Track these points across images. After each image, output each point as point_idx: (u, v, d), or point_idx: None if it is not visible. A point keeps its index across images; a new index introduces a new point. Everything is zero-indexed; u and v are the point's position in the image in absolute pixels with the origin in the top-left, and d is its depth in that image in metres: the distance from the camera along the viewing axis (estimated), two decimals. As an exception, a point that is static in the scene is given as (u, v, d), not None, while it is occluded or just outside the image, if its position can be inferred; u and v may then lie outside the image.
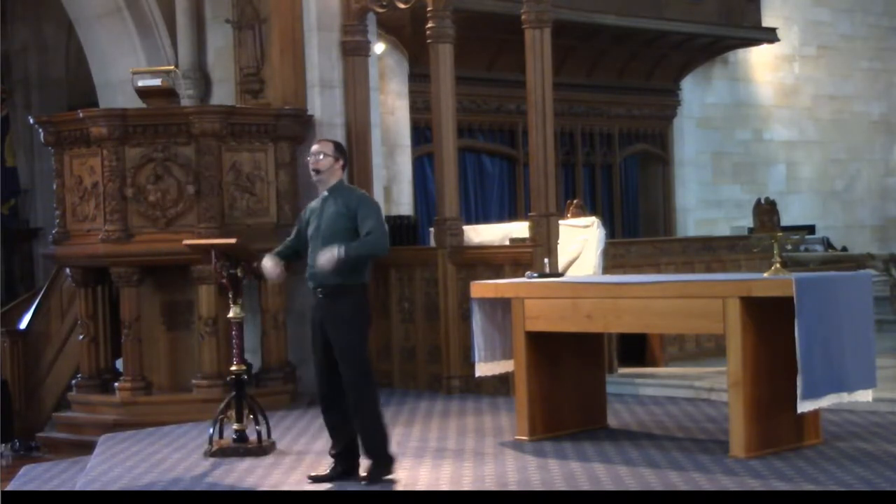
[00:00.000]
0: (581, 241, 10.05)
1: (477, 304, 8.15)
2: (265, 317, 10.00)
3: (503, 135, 14.66)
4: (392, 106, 13.26)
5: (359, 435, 6.85)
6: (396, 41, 13.18)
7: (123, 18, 11.76)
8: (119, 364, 10.04)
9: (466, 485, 6.70)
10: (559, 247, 9.76)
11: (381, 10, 10.60)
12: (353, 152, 10.42)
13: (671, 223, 16.35)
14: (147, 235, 9.62)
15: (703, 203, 16.68)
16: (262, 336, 10.03)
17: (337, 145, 7.06)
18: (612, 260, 10.60)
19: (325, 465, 6.99)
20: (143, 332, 9.79)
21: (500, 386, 9.66)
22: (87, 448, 8.76)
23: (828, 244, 16.90)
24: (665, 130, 16.36)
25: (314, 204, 7.04)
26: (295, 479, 7.03)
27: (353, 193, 7.06)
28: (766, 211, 14.49)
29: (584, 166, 15.51)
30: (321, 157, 6.92)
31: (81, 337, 10.15)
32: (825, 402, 6.96)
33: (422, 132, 13.40)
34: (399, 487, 6.73)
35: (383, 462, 6.84)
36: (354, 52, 10.70)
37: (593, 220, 10.28)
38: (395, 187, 13.16)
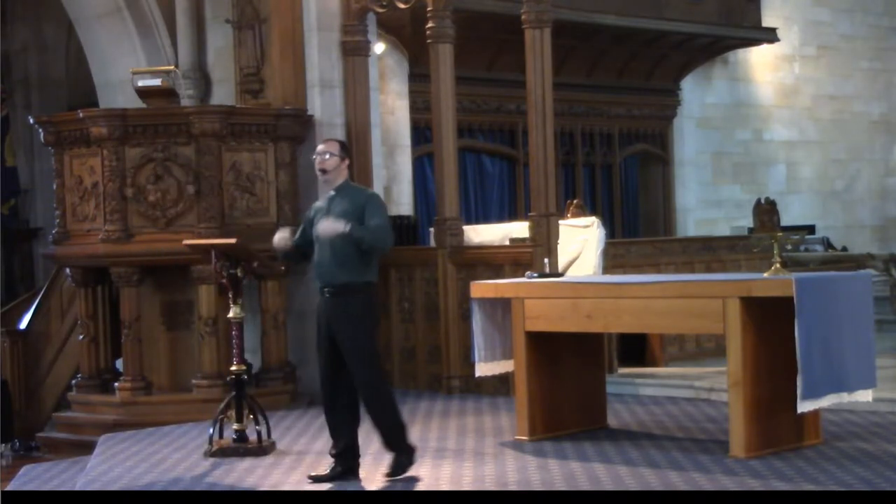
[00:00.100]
0: (581, 241, 10.05)
1: (477, 304, 8.15)
2: (265, 317, 10.00)
3: (503, 135, 14.66)
4: (392, 106, 13.26)
5: (377, 432, 6.92)
6: (396, 41, 13.18)
7: (123, 18, 11.76)
8: (119, 364, 10.04)
9: (466, 485, 6.70)
10: (559, 247, 9.76)
11: (381, 10, 10.60)
12: (353, 152, 10.38)
13: (671, 223, 16.35)
14: (147, 235, 9.61)
15: (703, 203, 16.68)
16: (262, 336, 10.03)
17: (342, 145, 7.10)
18: (612, 260, 10.61)
19: (325, 465, 6.99)
20: (143, 332, 9.79)
21: (500, 386, 9.66)
22: (87, 448, 8.76)
23: (828, 244, 16.90)
24: (665, 130, 16.37)
25: (320, 203, 7.04)
26: (295, 479, 7.03)
27: (363, 192, 7.11)
28: (766, 211, 14.50)
29: (584, 166, 15.52)
30: (327, 156, 6.93)
31: (81, 337, 10.15)
32: (825, 402, 6.96)
33: (422, 132, 13.40)
34: (399, 487, 6.74)
35: (405, 453, 6.90)
36: (354, 52, 10.70)
37: (593, 220, 10.28)
38: (395, 187, 13.17)
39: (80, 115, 9.72)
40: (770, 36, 16.43)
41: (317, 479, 6.87)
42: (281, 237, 7.08)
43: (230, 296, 8.04)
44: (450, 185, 10.37)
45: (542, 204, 9.76)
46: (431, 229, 10.62)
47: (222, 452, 7.81)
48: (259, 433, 7.89)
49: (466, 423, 8.70)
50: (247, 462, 7.59)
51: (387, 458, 7.37)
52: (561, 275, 9.06)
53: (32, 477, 8.23)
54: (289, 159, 10.12)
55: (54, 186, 10.12)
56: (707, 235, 14.25)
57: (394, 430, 6.90)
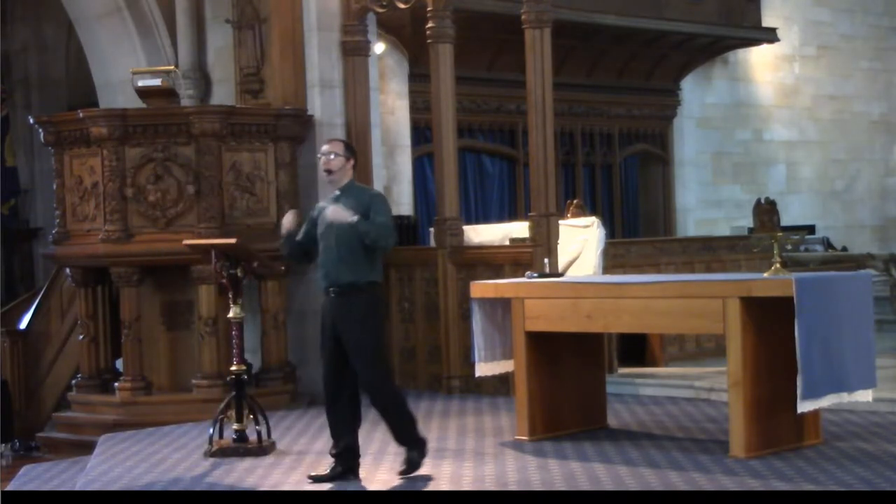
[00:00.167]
0: (581, 241, 10.05)
1: (477, 304, 8.15)
2: (265, 317, 10.00)
3: (503, 135, 14.66)
4: (392, 106, 13.26)
5: (388, 429, 6.98)
6: (396, 41, 13.18)
7: (123, 18, 11.76)
8: (119, 364, 10.04)
9: (466, 485, 6.70)
10: (559, 247, 9.76)
11: (381, 10, 10.60)
12: (354, 152, 10.42)
13: (671, 223, 16.35)
14: (147, 235, 9.61)
15: (703, 203, 16.68)
16: (262, 336, 10.03)
17: (347, 145, 7.11)
18: (612, 260, 10.61)
19: (325, 465, 6.99)
20: (143, 332, 9.79)
21: (500, 386, 9.66)
22: (87, 448, 8.76)
23: (828, 244, 16.90)
24: (665, 130, 16.37)
25: (324, 203, 7.04)
26: (295, 479, 7.03)
27: (367, 192, 7.15)
28: (766, 211, 14.50)
29: (584, 166, 15.52)
30: (332, 157, 6.94)
31: (81, 337, 10.15)
32: (825, 402, 6.96)
33: (422, 132, 13.40)
34: (399, 487, 6.74)
35: (416, 447, 6.95)
36: (354, 52, 10.70)
37: (593, 220, 10.28)
38: (395, 187, 13.16)
39: (80, 115, 9.72)
40: (770, 36, 16.43)
41: (317, 479, 6.88)
42: (291, 219, 7.04)
43: (230, 296, 8.04)
44: (450, 185, 10.37)
45: (542, 204, 9.76)
46: (431, 229, 10.62)
47: (222, 452, 7.81)
48: (259, 433, 7.89)
49: (466, 423, 8.70)
50: (247, 462, 7.59)
51: (387, 459, 7.40)
52: (561, 275, 9.06)
53: (32, 477, 8.23)
54: (289, 159, 10.12)
55: (54, 186, 10.12)
56: (707, 235, 14.25)
57: (403, 425, 6.96)
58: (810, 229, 17.13)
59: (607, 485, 6.52)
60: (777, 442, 7.15)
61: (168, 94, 10.06)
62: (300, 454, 7.78)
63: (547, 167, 9.79)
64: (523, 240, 9.87)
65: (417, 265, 10.50)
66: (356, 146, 10.43)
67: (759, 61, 17.23)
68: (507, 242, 10.12)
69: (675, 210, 16.43)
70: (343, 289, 6.81)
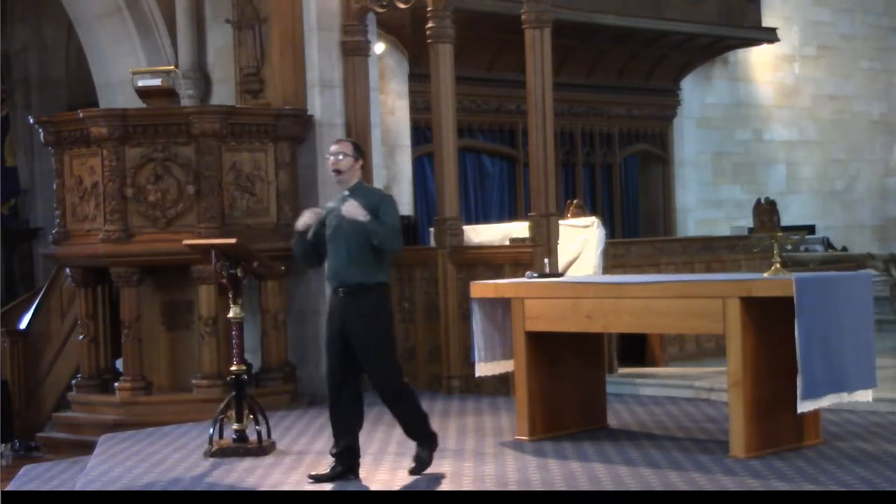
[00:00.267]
0: (581, 241, 10.05)
1: (477, 304, 8.15)
2: (265, 317, 10.00)
3: (503, 135, 14.66)
4: (392, 106, 13.26)
5: (401, 425, 7.04)
6: (396, 41, 13.18)
7: (123, 18, 11.76)
8: (119, 364, 10.04)
9: (466, 485, 6.70)
10: (559, 247, 9.76)
11: (381, 10, 10.60)
12: (354, 152, 10.42)
13: (671, 223, 16.35)
14: (147, 235, 9.61)
15: (703, 203, 16.68)
16: (262, 336, 10.02)
17: (356, 145, 7.11)
18: (612, 260, 10.61)
19: (326, 465, 6.99)
20: (143, 332, 9.79)
21: (500, 386, 9.66)
22: (87, 448, 8.76)
23: (828, 244, 16.90)
24: (665, 130, 16.37)
25: (332, 204, 7.04)
26: (295, 479, 7.03)
27: (377, 193, 7.16)
28: (766, 211, 14.50)
29: (584, 166, 15.52)
30: (342, 157, 6.94)
31: (81, 337, 10.15)
32: (825, 402, 6.96)
33: (422, 132, 13.40)
34: (399, 487, 6.74)
35: (426, 444, 6.99)
36: (354, 52, 10.70)
37: (593, 220, 10.28)
38: (395, 187, 13.16)
39: (80, 115, 9.72)
40: (770, 36, 16.42)
41: (317, 479, 6.88)
42: (308, 217, 6.97)
43: (230, 296, 8.04)
44: (450, 185, 10.38)
45: (542, 204, 9.77)
46: (431, 229, 10.62)
47: (222, 452, 7.81)
48: (259, 433, 7.89)
49: (466, 423, 8.70)
50: (247, 462, 7.59)
51: (387, 459, 7.40)
52: (561, 275, 9.06)
53: (32, 477, 8.23)
54: (289, 159, 10.12)
55: (54, 186, 10.12)
56: (707, 235, 14.25)
57: (414, 421, 7.02)
58: (810, 229, 17.13)
59: (607, 485, 6.52)
60: (777, 442, 7.15)
61: (168, 94, 10.06)
62: (300, 454, 7.78)
63: (547, 167, 9.80)
64: (523, 240, 9.87)
65: (417, 265, 10.49)
66: (356, 146, 10.50)
67: (759, 61, 17.23)
68: (507, 242, 10.12)
69: (675, 210, 16.43)
70: (352, 289, 6.82)
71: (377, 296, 6.86)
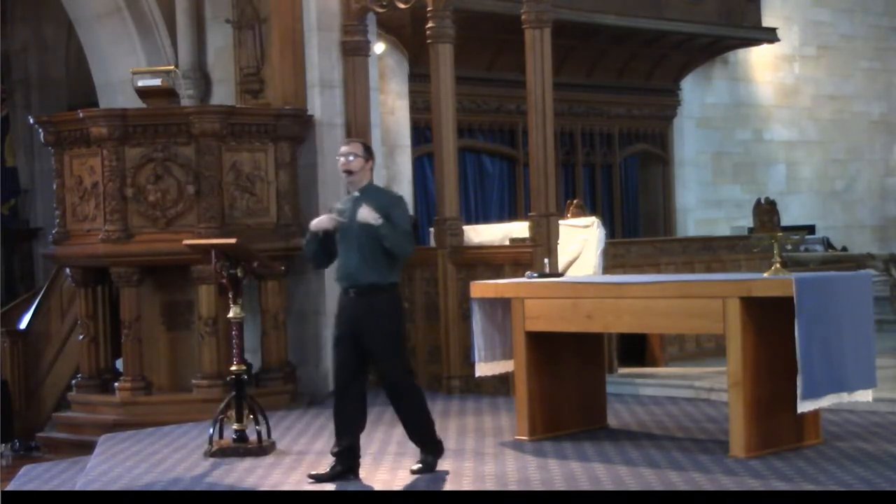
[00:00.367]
0: (581, 241, 10.05)
1: (477, 304, 8.15)
2: (265, 317, 10.00)
3: (503, 135, 14.65)
4: (392, 106, 13.26)
5: (406, 428, 7.03)
6: (396, 41, 13.17)
7: (123, 18, 11.76)
8: (119, 364, 10.04)
9: (466, 485, 6.70)
10: (559, 247, 9.76)
11: (381, 10, 10.60)
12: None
13: (671, 223, 16.35)
14: (147, 235, 9.62)
15: (703, 203, 16.68)
16: (262, 336, 10.03)
17: (366, 146, 7.12)
18: (612, 260, 10.60)
19: (326, 465, 6.99)
20: (143, 332, 9.79)
21: (500, 386, 9.66)
22: (87, 448, 8.76)
23: (828, 244, 16.90)
24: (665, 130, 16.36)
25: (342, 205, 7.03)
26: (295, 479, 7.03)
27: (387, 194, 7.16)
28: (766, 211, 14.50)
29: (584, 166, 15.51)
30: (352, 158, 6.93)
31: (81, 337, 10.16)
32: (825, 402, 6.96)
33: (422, 132, 13.39)
34: (399, 487, 6.74)
35: (431, 450, 7.00)
36: (354, 52, 10.70)
37: (593, 220, 10.28)
38: (395, 187, 13.13)
39: (80, 115, 9.72)
40: (770, 36, 16.42)
41: (317, 479, 6.88)
42: (326, 222, 6.93)
43: (230, 296, 8.04)
44: (450, 185, 10.37)
45: (542, 204, 9.76)
46: (431, 229, 10.62)
47: (222, 452, 7.81)
48: (259, 433, 7.89)
49: (466, 423, 8.70)
50: (247, 462, 7.59)
51: (387, 459, 7.40)
52: (561, 275, 9.06)
53: (32, 477, 8.23)
54: (289, 159, 10.12)
55: (54, 186, 10.12)
56: (707, 235, 14.24)
57: (421, 427, 7.01)
58: (810, 229, 17.13)
59: (607, 485, 6.52)
60: (777, 442, 7.15)
61: (168, 94, 10.06)
62: (300, 454, 7.78)
63: (547, 167, 9.79)
64: (523, 240, 9.87)
65: (417, 265, 10.47)
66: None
67: (759, 61, 17.23)
68: (507, 242, 10.12)
69: (675, 210, 16.42)
70: (364, 289, 6.82)
71: (389, 296, 6.88)
